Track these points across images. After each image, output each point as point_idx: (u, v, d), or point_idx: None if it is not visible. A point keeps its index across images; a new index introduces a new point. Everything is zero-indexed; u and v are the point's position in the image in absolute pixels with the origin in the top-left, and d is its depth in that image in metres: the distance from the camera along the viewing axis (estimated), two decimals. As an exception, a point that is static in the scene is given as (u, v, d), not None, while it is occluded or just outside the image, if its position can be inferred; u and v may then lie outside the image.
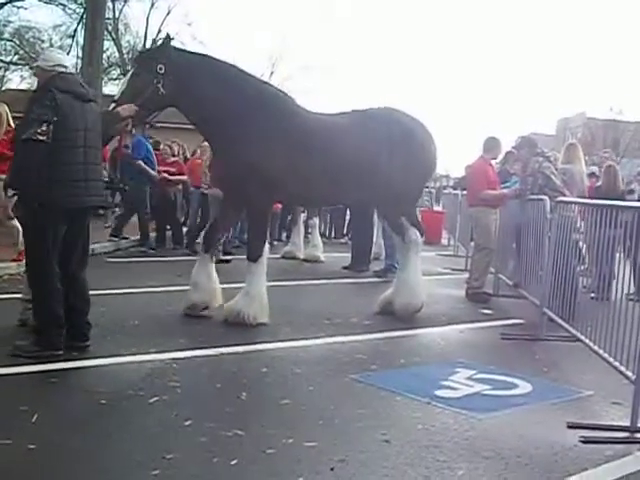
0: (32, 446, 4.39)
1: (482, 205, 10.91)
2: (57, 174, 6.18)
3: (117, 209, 16.89)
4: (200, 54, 8.58)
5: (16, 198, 6.61)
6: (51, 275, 6.31)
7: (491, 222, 10.89)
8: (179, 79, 7.70)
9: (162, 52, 7.87)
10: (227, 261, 12.47)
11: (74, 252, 6.56)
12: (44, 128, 6.05)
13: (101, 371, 6.13)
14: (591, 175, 13.18)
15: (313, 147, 8.29)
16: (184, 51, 8.62)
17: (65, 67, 6.58)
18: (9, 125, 10.56)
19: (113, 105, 7.25)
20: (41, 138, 6.03)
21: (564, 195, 9.29)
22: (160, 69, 7.56)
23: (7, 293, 8.65)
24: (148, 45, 35.59)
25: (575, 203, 8.48)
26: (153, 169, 14.76)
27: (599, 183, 12.25)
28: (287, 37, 77.99)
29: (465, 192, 13.93)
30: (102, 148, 6.85)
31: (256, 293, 8.15)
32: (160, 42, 8.09)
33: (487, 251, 10.95)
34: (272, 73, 43.59)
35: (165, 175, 15.22)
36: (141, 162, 14.31)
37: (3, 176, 9.32)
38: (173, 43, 8.09)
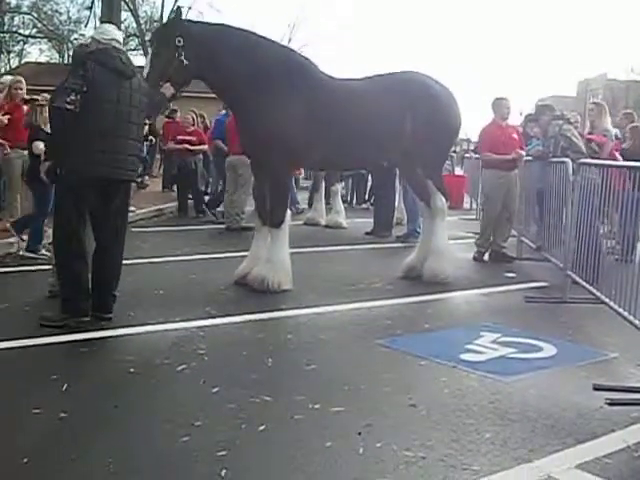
0: (63, 414, 4.46)
1: (491, 167, 10.88)
2: (81, 143, 6.24)
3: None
4: (216, 24, 8.53)
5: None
6: (74, 242, 6.37)
7: (496, 186, 10.84)
8: (198, 50, 7.67)
9: (177, 25, 7.86)
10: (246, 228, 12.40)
11: (106, 225, 6.58)
12: (73, 97, 6.12)
13: (129, 340, 6.19)
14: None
15: (335, 112, 8.25)
16: (199, 22, 8.61)
17: (119, 43, 6.67)
18: (23, 98, 10.64)
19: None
20: (69, 107, 6.12)
21: (586, 156, 9.22)
22: (179, 42, 7.53)
23: (36, 265, 8.76)
24: (165, 16, 35.32)
25: (598, 165, 8.41)
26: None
27: (624, 145, 12.11)
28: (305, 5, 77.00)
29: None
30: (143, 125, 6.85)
31: (279, 259, 8.18)
32: (172, 16, 8.07)
33: (486, 215, 11.07)
34: (290, 40, 43.21)
35: (186, 145, 15.25)
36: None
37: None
38: (190, 13, 8.10)
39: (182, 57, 7.53)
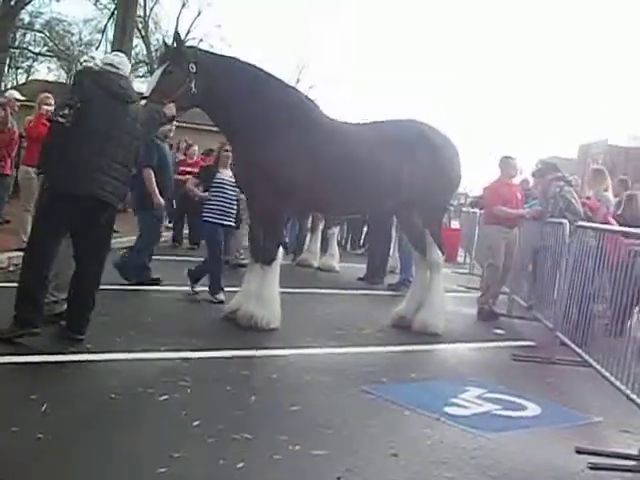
0: (40, 435, 4.41)
1: (495, 224, 10.92)
2: (66, 158, 6.30)
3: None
4: (227, 56, 8.58)
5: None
6: (38, 256, 6.41)
7: (500, 241, 10.87)
8: (207, 80, 7.71)
9: (192, 51, 7.93)
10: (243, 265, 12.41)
11: (85, 246, 6.62)
12: (66, 112, 6.22)
13: (112, 366, 6.14)
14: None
15: (334, 155, 8.27)
16: (210, 53, 8.65)
17: (116, 68, 6.74)
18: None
19: (144, 102, 7.27)
20: (61, 120, 6.23)
21: (583, 220, 9.26)
22: (192, 68, 7.58)
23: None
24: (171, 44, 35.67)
25: (594, 229, 8.43)
26: None
27: (619, 212, 12.13)
28: (314, 47, 77.89)
29: (482, 211, 14.03)
30: (136, 149, 6.86)
31: (269, 297, 8.16)
32: (174, 39, 8.08)
33: (493, 268, 10.97)
34: (298, 81, 43.64)
35: (189, 177, 15.24)
36: None
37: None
38: (202, 45, 8.14)
39: (192, 83, 7.57)
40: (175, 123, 10.35)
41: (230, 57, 8.44)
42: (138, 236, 10.38)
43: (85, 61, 39.75)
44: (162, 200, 9.96)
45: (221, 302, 9.18)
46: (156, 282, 10.01)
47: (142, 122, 6.77)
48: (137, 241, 10.35)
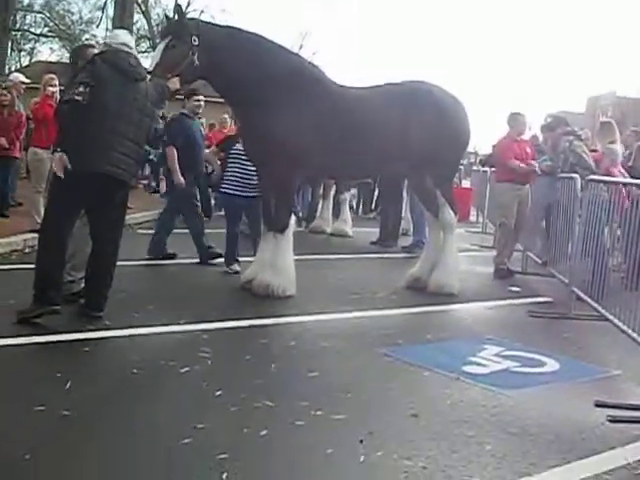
0: (66, 412, 4.47)
1: (506, 181, 10.87)
2: (80, 137, 6.30)
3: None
4: (229, 26, 8.54)
5: None
6: (54, 237, 6.43)
7: (512, 199, 10.83)
8: (210, 51, 7.69)
9: (194, 24, 7.90)
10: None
11: (100, 224, 6.65)
12: (81, 89, 6.19)
13: (133, 341, 6.20)
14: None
15: (341, 120, 8.25)
16: (211, 24, 8.62)
17: (130, 48, 6.76)
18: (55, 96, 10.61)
19: (149, 77, 7.26)
20: (77, 98, 6.18)
21: (595, 173, 9.23)
22: (194, 41, 7.56)
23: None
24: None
25: (606, 182, 8.42)
26: None
27: (630, 163, 12.07)
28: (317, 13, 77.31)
29: (493, 169, 13.97)
30: (147, 126, 6.87)
31: (283, 265, 8.19)
32: (175, 12, 8.04)
33: (506, 226, 10.96)
34: (301, 47, 43.28)
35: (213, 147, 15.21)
36: None
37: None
38: (203, 17, 8.11)
39: (195, 56, 7.56)
40: (202, 98, 10.36)
41: (232, 27, 8.42)
42: (164, 212, 10.52)
43: (87, 39, 39.54)
44: (182, 179, 9.96)
45: (236, 273, 9.22)
46: (172, 257, 10.06)
47: (151, 99, 6.78)
48: (161, 218, 10.50)
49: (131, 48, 6.81)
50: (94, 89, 6.24)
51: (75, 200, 6.46)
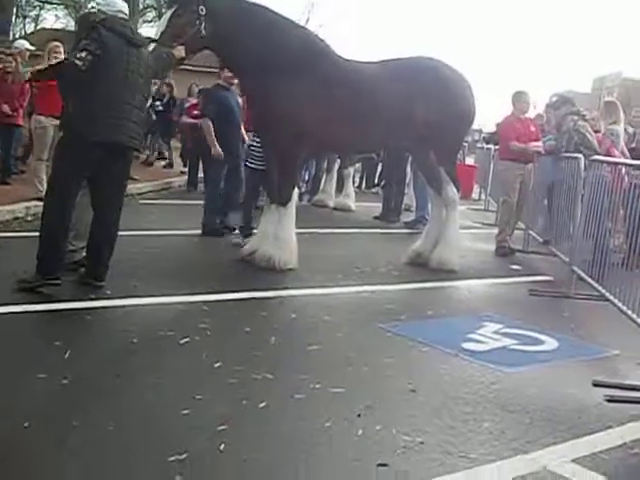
0: (65, 381, 4.48)
1: (510, 159, 10.86)
2: (88, 106, 6.29)
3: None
4: None
5: None
6: (59, 204, 6.40)
7: (515, 177, 10.85)
8: (216, 22, 7.65)
9: None
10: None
11: (103, 192, 6.64)
12: (83, 55, 6.16)
13: (132, 311, 6.21)
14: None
15: (347, 94, 8.22)
16: None
17: (125, 14, 6.75)
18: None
19: (154, 45, 7.23)
20: (77, 63, 6.15)
21: (599, 154, 9.19)
22: (201, 10, 7.52)
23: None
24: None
25: (609, 162, 8.39)
26: None
27: (633, 144, 12.01)
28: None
29: (497, 147, 13.97)
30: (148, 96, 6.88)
31: (285, 238, 8.21)
32: None
33: (508, 205, 10.97)
34: (308, 20, 42.99)
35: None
36: None
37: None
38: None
39: (201, 26, 7.52)
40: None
41: None
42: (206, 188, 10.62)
43: (92, 7, 39.29)
44: (221, 151, 9.92)
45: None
46: (231, 230, 10.11)
47: (152, 65, 6.77)
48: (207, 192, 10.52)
49: (126, 14, 6.79)
50: (101, 59, 6.21)
51: (81, 168, 6.43)
